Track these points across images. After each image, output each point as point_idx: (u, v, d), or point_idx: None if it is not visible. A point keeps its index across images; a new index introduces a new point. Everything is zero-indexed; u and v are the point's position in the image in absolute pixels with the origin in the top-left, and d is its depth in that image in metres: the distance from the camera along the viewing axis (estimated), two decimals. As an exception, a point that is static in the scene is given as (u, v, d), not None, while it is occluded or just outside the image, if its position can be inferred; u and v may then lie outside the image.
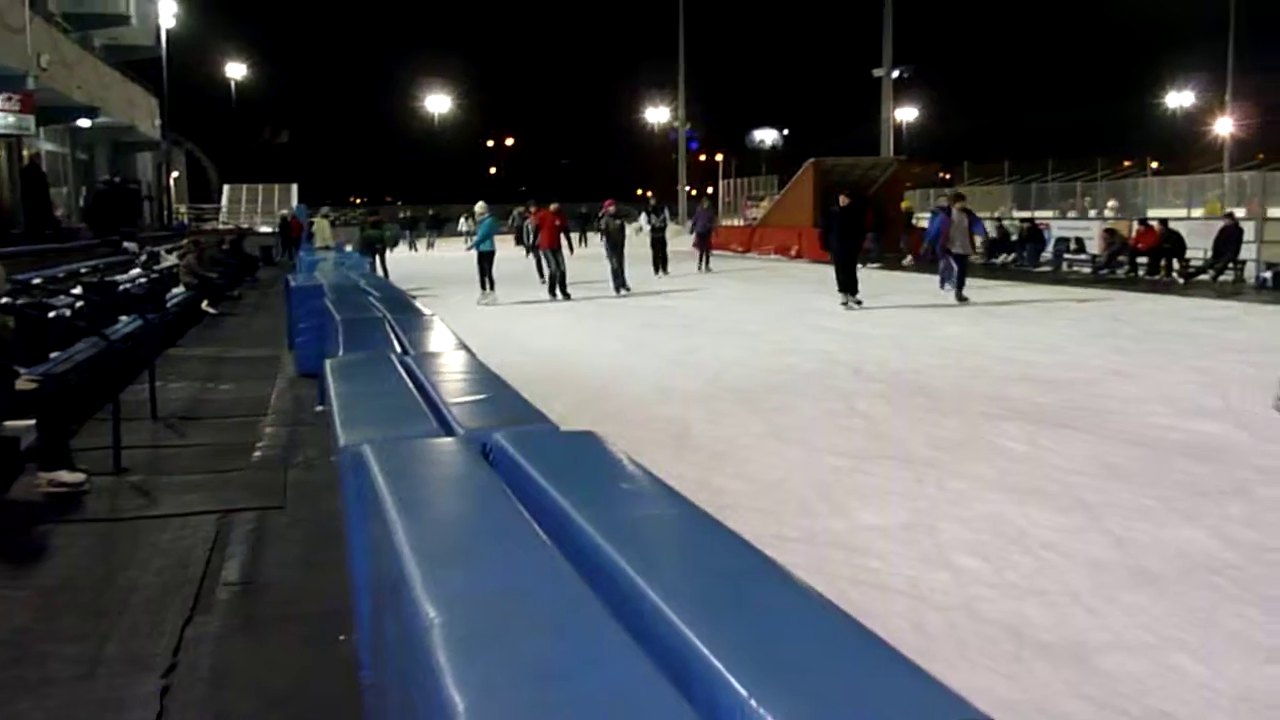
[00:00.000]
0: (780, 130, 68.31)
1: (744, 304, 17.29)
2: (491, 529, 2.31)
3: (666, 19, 50.69)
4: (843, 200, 17.00)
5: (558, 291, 17.78)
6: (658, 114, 61.01)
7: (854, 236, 16.07)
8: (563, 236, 18.39)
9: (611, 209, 19.63)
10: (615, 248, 19.00)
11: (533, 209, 20.17)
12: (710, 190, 50.90)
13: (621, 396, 8.74)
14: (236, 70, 55.81)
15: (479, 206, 19.85)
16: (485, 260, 18.00)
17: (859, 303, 15.53)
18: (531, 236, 19.19)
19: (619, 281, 18.76)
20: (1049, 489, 5.77)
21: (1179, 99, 58.33)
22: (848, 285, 15.56)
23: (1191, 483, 5.86)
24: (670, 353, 10.98)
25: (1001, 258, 24.97)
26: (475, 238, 19.09)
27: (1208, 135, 52.11)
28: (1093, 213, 33.76)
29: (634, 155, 79.42)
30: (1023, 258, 24.58)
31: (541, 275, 18.74)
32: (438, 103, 64.82)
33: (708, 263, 24.88)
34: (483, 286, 18.01)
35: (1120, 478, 5.97)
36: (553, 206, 18.51)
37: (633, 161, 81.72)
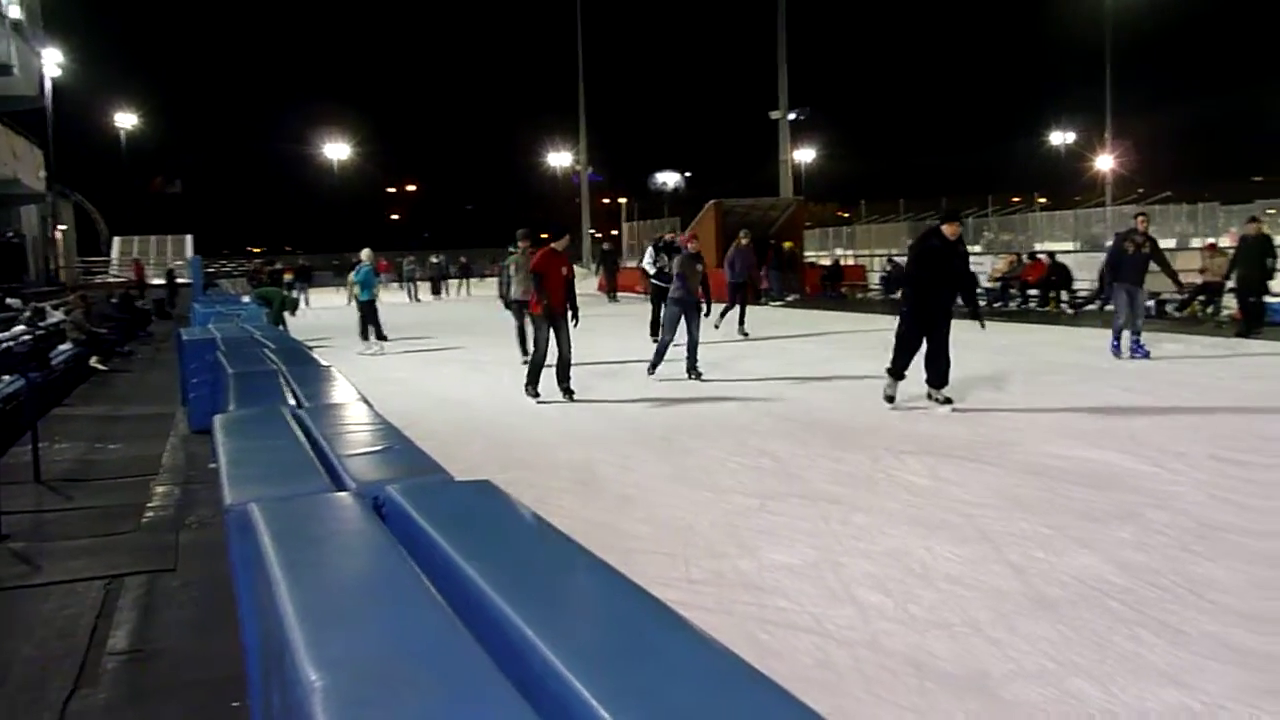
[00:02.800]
0: (682, 172, 69.13)
1: (642, 344, 17.31)
2: (380, 587, 2.24)
3: (567, 63, 51.09)
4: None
5: (539, 384, 10.90)
6: (560, 158, 61.25)
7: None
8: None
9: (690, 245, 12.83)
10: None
11: (520, 243, 13.28)
12: (614, 232, 51.17)
13: (529, 443, 8.66)
14: (126, 120, 54.58)
15: (365, 253, 18.53)
16: (367, 309, 17.40)
17: (745, 334, 16.69)
18: (509, 287, 13.61)
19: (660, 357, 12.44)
20: (952, 521, 5.86)
21: (1062, 138, 60.66)
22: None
23: (1086, 510, 6.01)
24: (581, 396, 10.92)
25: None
26: (359, 287, 17.64)
27: (1089, 171, 54.25)
28: (979, 247, 34.81)
29: (537, 199, 79.55)
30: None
31: (523, 349, 13.60)
32: (337, 150, 64.14)
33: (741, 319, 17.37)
34: (364, 336, 17.29)
35: (1020, 508, 6.09)
36: (561, 243, 11.22)
37: (536, 205, 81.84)
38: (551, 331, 10.63)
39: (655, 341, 13.44)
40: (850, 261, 35.56)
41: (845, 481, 6.89)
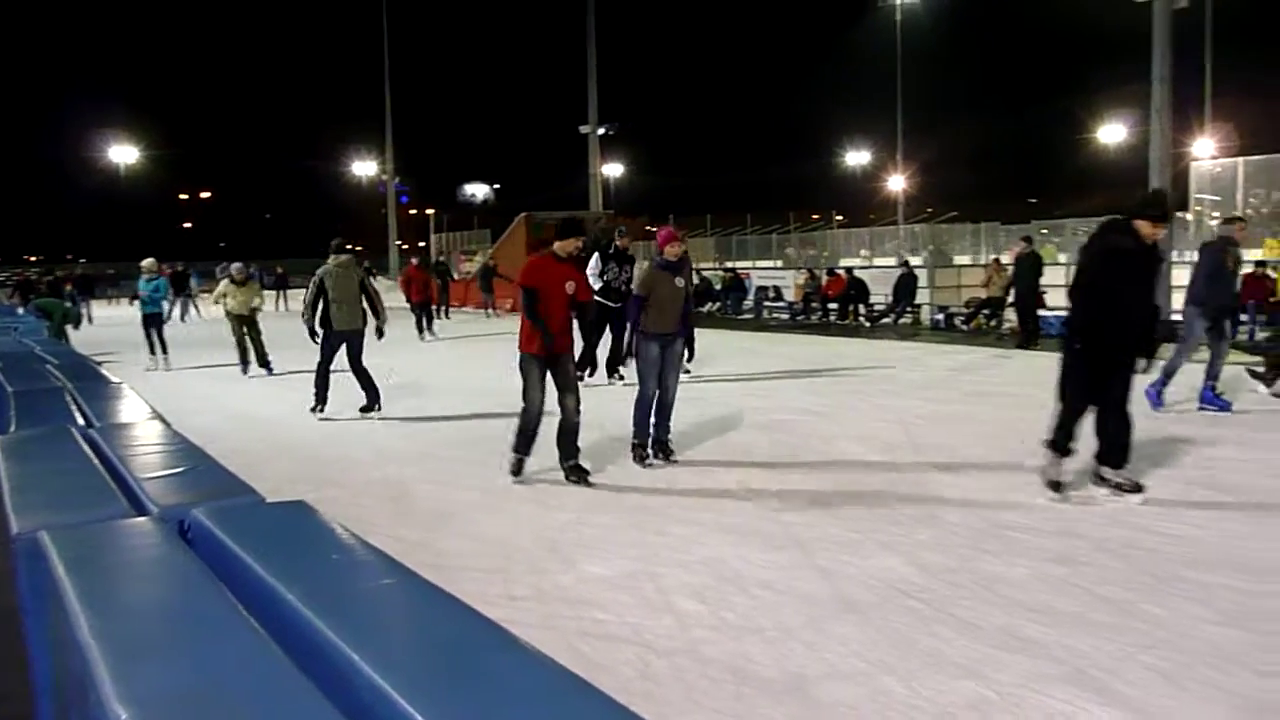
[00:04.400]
0: (492, 184, 68.77)
1: (468, 361, 17.12)
2: (191, 616, 2.13)
3: (373, 70, 50.05)
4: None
5: (528, 452, 7.57)
6: (365, 167, 59.74)
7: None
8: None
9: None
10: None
11: (335, 256, 10.61)
12: (422, 244, 50.35)
13: (340, 461, 8.41)
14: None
15: (146, 263, 16.60)
16: (151, 322, 16.34)
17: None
18: (315, 310, 10.49)
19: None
20: (766, 529, 6.02)
21: (857, 158, 63.64)
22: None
23: (889, 513, 6.29)
24: (390, 413, 10.67)
25: (707, 306, 26.21)
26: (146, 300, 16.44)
27: (883, 191, 57.09)
28: (780, 263, 36.04)
29: (341, 209, 77.41)
30: (726, 306, 25.97)
31: (321, 398, 10.68)
32: (123, 153, 60.54)
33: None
34: (150, 350, 16.29)
35: (829, 513, 6.33)
36: (569, 244, 7.60)
37: (340, 215, 79.63)
38: (551, 378, 7.44)
39: (613, 377, 12.32)
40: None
41: (661, 493, 6.99)
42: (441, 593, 2.23)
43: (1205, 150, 36.42)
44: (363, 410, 10.50)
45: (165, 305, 17.28)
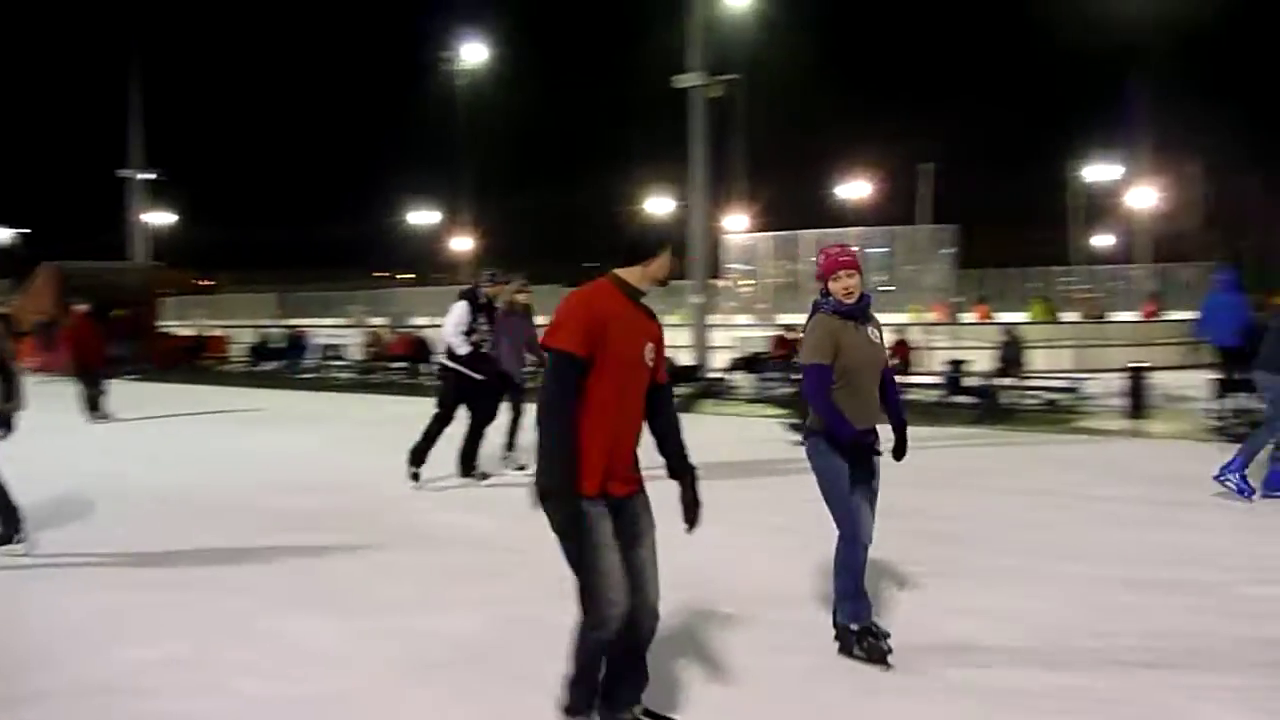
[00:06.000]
0: (17, 229, 61.13)
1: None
2: None
3: None
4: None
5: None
6: None
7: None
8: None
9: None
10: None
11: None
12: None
13: None
14: None
15: None
16: None
17: (104, 417, 14.51)
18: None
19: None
20: (336, 594, 5.77)
21: (422, 217, 63.39)
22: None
23: (460, 571, 6.26)
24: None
25: (262, 366, 24.98)
26: None
27: (448, 251, 57.63)
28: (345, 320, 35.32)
29: None
30: (286, 365, 24.83)
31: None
32: None
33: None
34: None
35: (391, 578, 6.16)
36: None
37: None
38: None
39: (471, 474, 9.12)
40: (217, 332, 33.73)
41: (212, 562, 6.48)
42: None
43: (738, 224, 40.50)
44: None
45: None
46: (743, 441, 11.64)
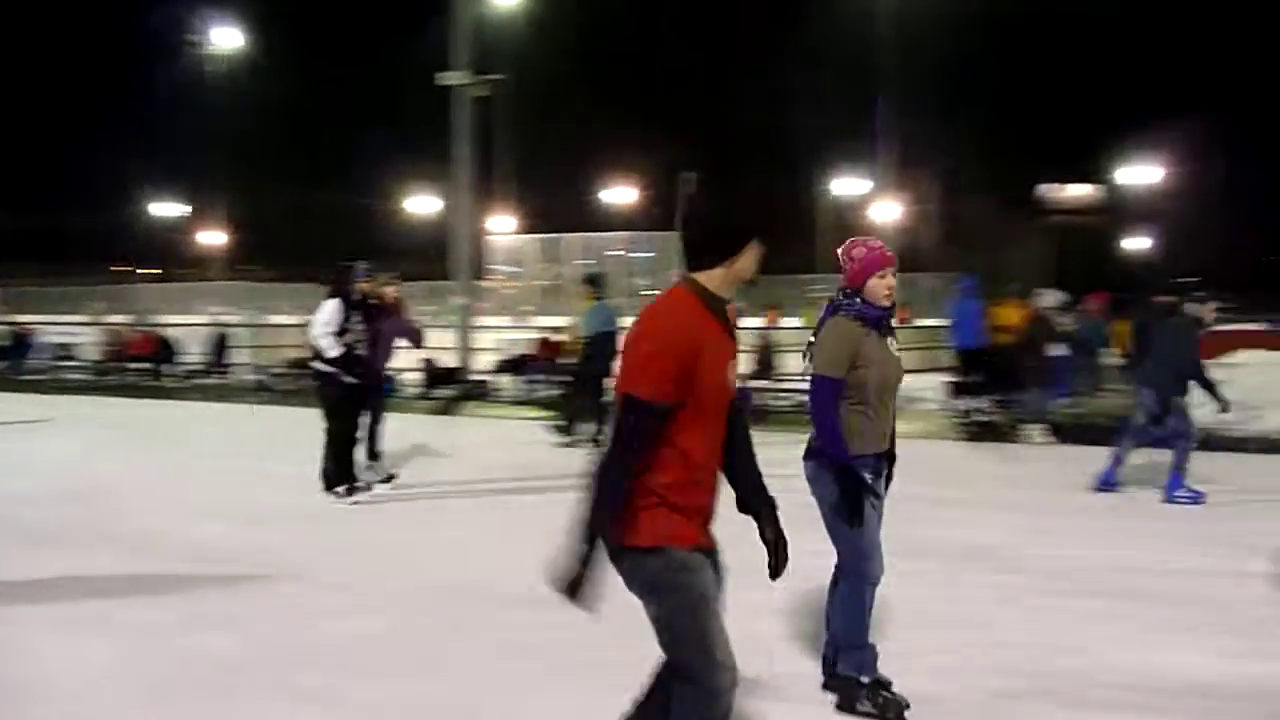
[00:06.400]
0: None
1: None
2: None
3: None
4: None
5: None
6: None
7: None
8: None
9: None
10: None
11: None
12: None
13: None
14: None
15: None
16: None
17: None
18: None
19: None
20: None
21: (166, 209, 59.23)
22: None
23: (224, 585, 5.93)
24: None
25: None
26: None
27: (195, 245, 54.43)
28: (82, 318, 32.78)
29: None
30: (9, 366, 22.65)
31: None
32: None
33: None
34: None
35: (132, 591, 5.80)
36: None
37: None
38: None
39: (339, 494, 8.26)
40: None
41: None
42: None
43: (502, 225, 40.30)
44: None
45: None
46: (507, 443, 11.58)
